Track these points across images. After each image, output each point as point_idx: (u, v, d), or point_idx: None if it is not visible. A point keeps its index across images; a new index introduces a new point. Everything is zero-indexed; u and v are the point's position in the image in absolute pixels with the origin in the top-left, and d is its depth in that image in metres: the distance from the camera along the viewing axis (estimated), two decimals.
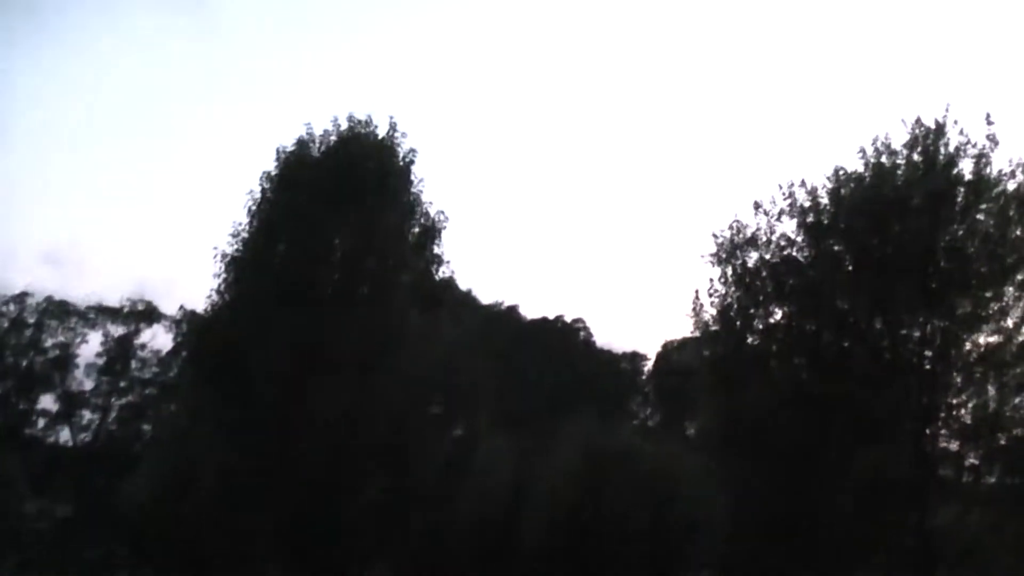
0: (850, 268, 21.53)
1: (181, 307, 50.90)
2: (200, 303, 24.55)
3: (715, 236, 22.74)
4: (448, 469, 20.47)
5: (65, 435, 54.05)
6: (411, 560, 34.75)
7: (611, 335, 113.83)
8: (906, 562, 21.21)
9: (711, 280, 22.73)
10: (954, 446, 21.42)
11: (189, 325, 42.65)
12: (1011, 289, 20.76)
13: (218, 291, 22.42)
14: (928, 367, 21.18)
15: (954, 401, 21.34)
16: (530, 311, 69.82)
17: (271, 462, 19.52)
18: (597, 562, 26.63)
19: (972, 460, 21.27)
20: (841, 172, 21.85)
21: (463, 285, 53.75)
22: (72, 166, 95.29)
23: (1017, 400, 20.99)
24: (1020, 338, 20.88)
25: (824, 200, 21.83)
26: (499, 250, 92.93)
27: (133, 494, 30.36)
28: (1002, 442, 20.90)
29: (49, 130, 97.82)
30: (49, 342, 53.88)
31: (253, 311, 21.02)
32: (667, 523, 26.78)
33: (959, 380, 21.29)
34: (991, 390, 21.18)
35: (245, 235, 22.53)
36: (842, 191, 21.75)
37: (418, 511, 20.53)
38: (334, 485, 19.32)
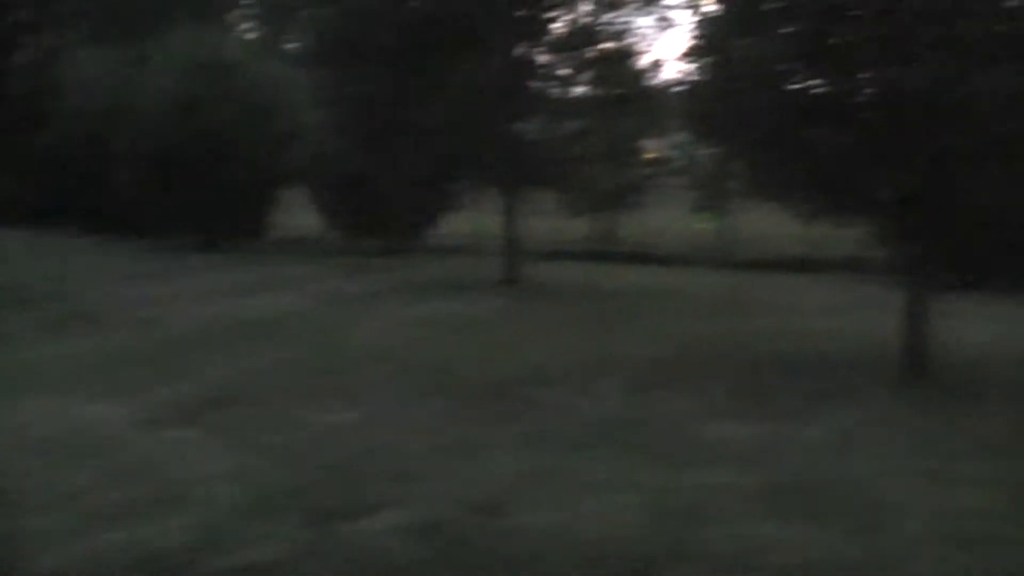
0: None
1: None
2: None
3: None
4: (40, 89, 17.93)
5: None
6: None
7: None
8: (495, 173, 22.05)
9: None
10: (546, 58, 22.04)
11: None
12: None
13: None
14: None
15: (550, 15, 21.73)
16: None
17: None
18: (196, 181, 25.39)
19: (563, 71, 21.98)
20: None
21: None
22: None
23: (610, 16, 21.80)
24: None
25: None
26: None
27: None
28: (592, 54, 21.73)
29: None
30: None
31: None
32: (267, 137, 25.79)
33: None
34: (585, 6, 21.84)
35: None
36: None
37: (7, 133, 18.13)
38: None
